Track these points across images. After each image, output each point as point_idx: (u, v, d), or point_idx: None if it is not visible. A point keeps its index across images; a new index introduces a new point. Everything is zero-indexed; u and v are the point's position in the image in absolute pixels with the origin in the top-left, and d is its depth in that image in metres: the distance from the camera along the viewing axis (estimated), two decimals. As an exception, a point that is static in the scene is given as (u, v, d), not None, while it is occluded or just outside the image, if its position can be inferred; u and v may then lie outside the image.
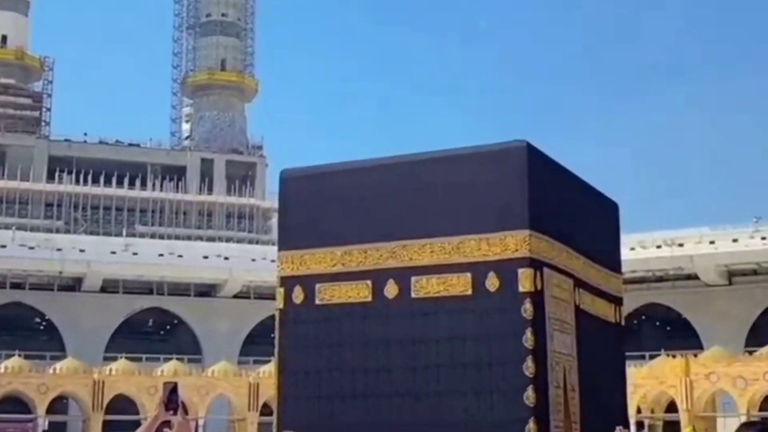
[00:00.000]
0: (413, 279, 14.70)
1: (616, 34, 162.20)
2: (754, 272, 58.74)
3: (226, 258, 64.94)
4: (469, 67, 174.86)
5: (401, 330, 14.89)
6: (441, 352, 14.27)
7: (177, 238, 75.81)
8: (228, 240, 77.99)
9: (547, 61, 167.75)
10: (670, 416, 46.51)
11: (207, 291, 66.25)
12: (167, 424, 3.96)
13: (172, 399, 3.90)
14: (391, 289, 14.72)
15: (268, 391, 41.14)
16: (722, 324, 56.48)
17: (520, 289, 13.75)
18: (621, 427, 8.79)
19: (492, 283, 13.98)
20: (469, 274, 14.22)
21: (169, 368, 50.11)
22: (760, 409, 44.82)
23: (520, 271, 13.64)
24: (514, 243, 13.45)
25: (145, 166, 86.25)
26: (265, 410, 46.51)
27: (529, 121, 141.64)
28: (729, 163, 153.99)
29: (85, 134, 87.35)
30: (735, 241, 57.31)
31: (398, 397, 14.39)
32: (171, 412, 3.88)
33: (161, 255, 63.83)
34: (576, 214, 16.51)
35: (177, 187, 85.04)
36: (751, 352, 47.00)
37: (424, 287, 14.62)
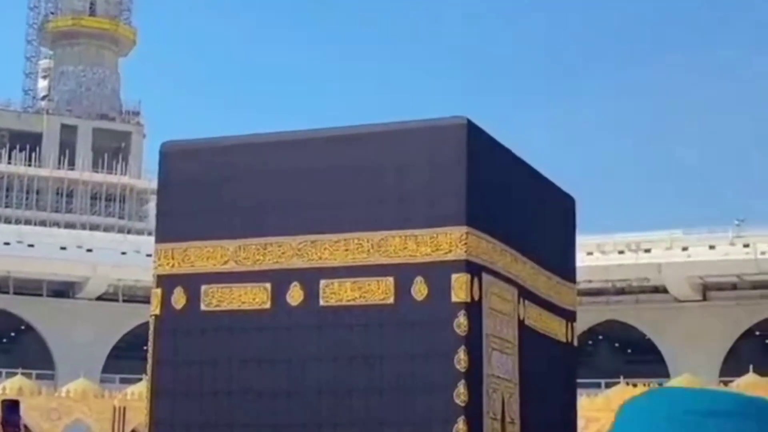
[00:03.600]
0: (322, 283, 14.77)
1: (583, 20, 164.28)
2: (734, 286, 59.99)
3: (90, 250, 64.17)
4: (405, 29, 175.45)
5: (306, 345, 14.91)
6: (354, 373, 14.37)
7: (28, 223, 74.66)
8: (93, 227, 77.01)
9: (501, 41, 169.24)
10: (628, 457, 47.33)
11: (64, 290, 65.40)
12: None
13: (11, 420, 3.86)
14: (294, 295, 14.77)
15: (138, 417, 40.78)
16: (694, 348, 57.64)
17: (453, 298, 13.91)
18: None
19: (419, 290, 14.12)
20: (391, 279, 14.34)
21: (12, 385, 49.36)
22: (735, 451, 45.85)
23: (454, 276, 13.82)
24: (448, 242, 13.62)
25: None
26: (133, 440, 46.13)
27: (470, 102, 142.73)
28: (709, 156, 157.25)
29: None
30: (712, 248, 58.40)
31: (300, 428, 14.40)
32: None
33: (7, 244, 62.80)
34: (524, 210, 16.75)
35: (29, 159, 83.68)
36: (726, 383, 48.04)
37: (336, 293, 14.70)
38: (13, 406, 3.67)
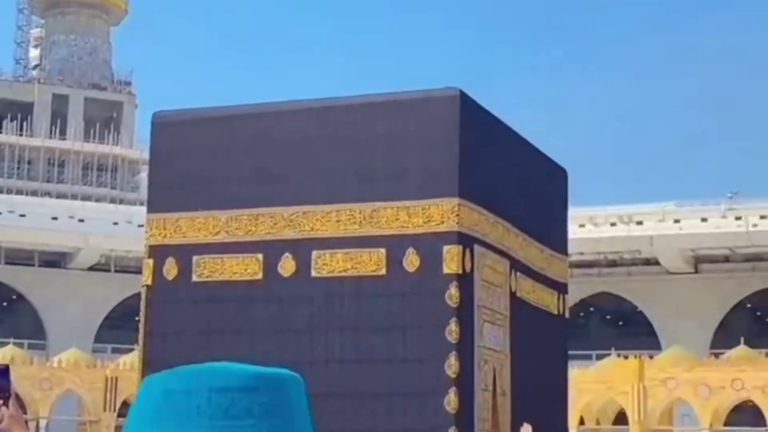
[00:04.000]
0: (314, 254, 14.80)
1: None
2: (726, 259, 60.06)
3: (81, 220, 64.01)
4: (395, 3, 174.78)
5: (298, 316, 14.94)
6: (346, 344, 14.42)
7: (19, 192, 74.43)
8: (84, 198, 76.82)
9: (492, 11, 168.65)
10: (619, 429, 47.50)
11: (55, 261, 65.33)
12: None
13: (1, 385, 3.82)
14: (286, 266, 14.79)
15: (129, 388, 40.85)
16: (685, 320, 57.75)
17: (445, 270, 13.95)
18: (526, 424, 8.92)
19: (411, 261, 14.16)
20: (383, 250, 14.38)
21: (3, 355, 49.42)
22: (726, 423, 46.07)
23: (446, 248, 13.87)
24: (440, 213, 13.64)
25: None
26: (125, 410, 46.18)
27: (463, 75, 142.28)
28: (702, 130, 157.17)
29: None
30: (704, 220, 58.37)
31: (291, 399, 14.39)
32: (0, 400, 3.80)
33: (-2, 213, 62.64)
34: (516, 182, 16.78)
35: (21, 129, 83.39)
36: (717, 355, 48.11)
37: (328, 264, 14.72)
38: (3, 371, 3.67)
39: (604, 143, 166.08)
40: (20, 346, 54.53)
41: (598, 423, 49.04)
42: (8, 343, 52.32)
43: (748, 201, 58.20)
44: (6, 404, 3.79)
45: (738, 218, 57.01)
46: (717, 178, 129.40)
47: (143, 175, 70.27)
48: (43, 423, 48.58)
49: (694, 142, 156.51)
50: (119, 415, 47.85)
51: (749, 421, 45.85)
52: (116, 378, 48.79)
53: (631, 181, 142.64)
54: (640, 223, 58.86)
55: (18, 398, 4.02)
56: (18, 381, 46.35)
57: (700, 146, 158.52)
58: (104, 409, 48.94)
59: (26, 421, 4.04)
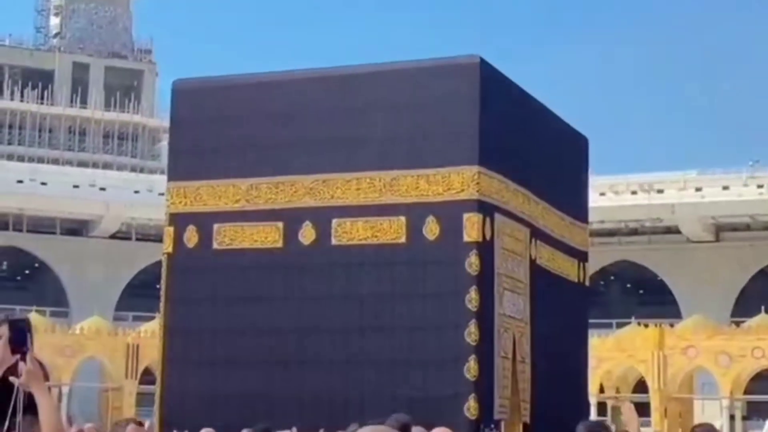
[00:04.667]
0: (335, 222, 14.79)
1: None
2: (747, 227, 59.85)
3: (103, 188, 64.19)
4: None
5: (318, 284, 14.95)
6: (365, 312, 14.44)
7: (41, 161, 74.68)
8: (105, 166, 77.05)
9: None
10: (639, 397, 47.44)
11: (77, 229, 65.59)
12: (13, 370, 3.84)
13: (19, 339, 3.82)
14: (307, 234, 14.80)
15: (151, 354, 41.03)
16: (705, 288, 57.62)
17: (465, 238, 13.94)
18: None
19: (431, 229, 14.14)
20: (403, 218, 14.36)
21: (27, 323, 49.67)
22: (746, 392, 46.03)
23: (466, 216, 13.84)
24: (460, 181, 13.61)
25: (2, 69, 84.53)
26: (146, 377, 46.44)
27: (482, 39, 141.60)
28: (724, 97, 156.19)
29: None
30: (725, 188, 58.16)
31: (311, 366, 14.48)
32: (19, 355, 3.81)
33: (20, 182, 62.83)
34: (537, 150, 16.71)
35: (42, 98, 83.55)
36: (738, 323, 48.04)
37: (348, 232, 14.72)
38: (22, 325, 3.67)
39: (625, 110, 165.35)
40: (43, 313, 54.89)
41: (618, 391, 49.06)
42: (31, 311, 52.66)
43: (770, 169, 57.96)
44: (24, 359, 3.80)
45: (760, 186, 56.80)
46: (739, 147, 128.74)
47: (164, 144, 70.39)
48: (65, 390, 48.95)
49: (716, 110, 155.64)
50: (140, 382, 48.17)
51: (770, 389, 45.83)
52: (137, 345, 49.07)
53: (653, 149, 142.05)
54: (661, 191, 58.69)
55: (41, 366, 4.04)
56: (41, 348, 46.57)
57: (722, 114, 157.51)
58: (126, 376, 49.25)
59: (46, 376, 4.06)
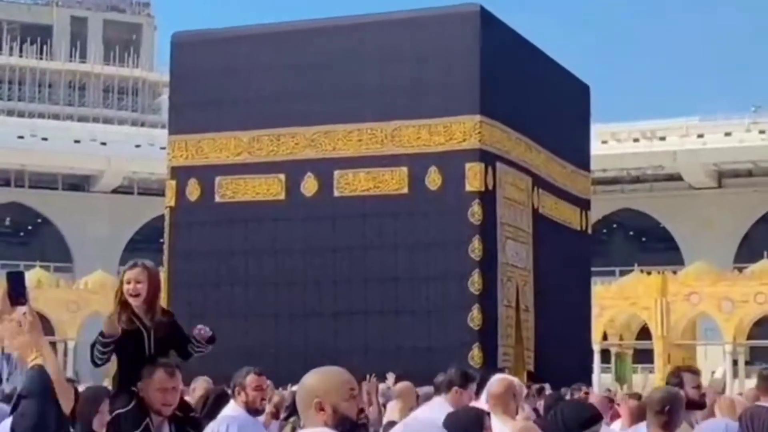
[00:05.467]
0: (336, 173, 14.80)
1: None
2: (749, 173, 59.78)
3: (104, 143, 64.08)
4: None
5: (320, 235, 14.98)
6: (369, 262, 14.48)
7: (41, 116, 74.50)
8: (106, 121, 76.86)
9: None
10: (642, 344, 47.65)
11: (79, 184, 65.55)
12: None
13: (18, 290, 3.86)
14: (309, 186, 14.80)
15: (155, 308, 41.14)
16: (708, 235, 57.64)
17: (468, 188, 13.95)
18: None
19: (433, 180, 14.15)
20: (405, 169, 14.37)
21: (31, 277, 49.79)
22: (749, 337, 46.18)
23: (468, 166, 13.84)
24: (462, 131, 13.61)
25: (0, 25, 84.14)
26: (151, 331, 46.67)
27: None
28: (726, 42, 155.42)
29: None
30: (728, 135, 58.00)
31: (316, 317, 14.52)
32: (17, 306, 3.85)
33: (21, 137, 62.74)
34: (538, 98, 16.67)
35: (41, 52, 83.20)
36: (740, 269, 48.06)
37: (350, 184, 14.73)
38: (17, 279, 3.71)
39: (627, 58, 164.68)
40: (46, 269, 54.98)
41: (621, 338, 49.24)
42: (35, 266, 52.77)
43: (772, 115, 57.81)
44: (22, 302, 3.84)
45: (762, 132, 56.68)
46: (741, 93, 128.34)
47: (164, 98, 70.15)
48: (71, 345, 49.15)
49: (718, 56, 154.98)
50: (146, 336, 48.37)
51: (772, 334, 45.98)
52: (142, 299, 49.22)
53: (655, 97, 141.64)
54: (663, 138, 58.56)
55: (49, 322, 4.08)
56: (45, 304, 46.62)
57: (724, 60, 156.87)
58: (131, 330, 49.49)
59: (39, 321, 4.09)
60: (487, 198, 14.41)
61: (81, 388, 6.63)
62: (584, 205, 20.69)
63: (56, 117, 74.76)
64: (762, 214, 59.25)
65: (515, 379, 7.02)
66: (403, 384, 9.80)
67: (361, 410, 6.31)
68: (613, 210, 60.03)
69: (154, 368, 5.89)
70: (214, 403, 7.27)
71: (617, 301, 45.06)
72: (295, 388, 6.69)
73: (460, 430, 5.02)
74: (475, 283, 13.48)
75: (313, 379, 3.95)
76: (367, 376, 9.76)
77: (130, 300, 6.19)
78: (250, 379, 6.83)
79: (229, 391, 7.07)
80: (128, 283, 6.21)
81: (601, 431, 5.40)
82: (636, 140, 59.17)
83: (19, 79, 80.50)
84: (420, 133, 13.45)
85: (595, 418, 5.29)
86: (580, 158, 20.43)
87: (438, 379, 8.15)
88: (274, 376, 10.27)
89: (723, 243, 57.55)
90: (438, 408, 7.38)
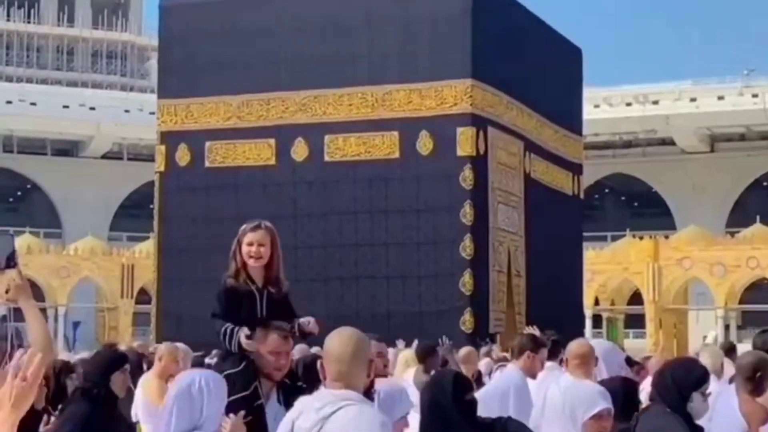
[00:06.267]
0: (327, 138, 14.79)
1: None
2: (742, 137, 59.83)
3: (93, 108, 63.89)
4: None
5: (311, 200, 14.99)
6: (360, 227, 14.50)
7: (29, 81, 74.19)
8: (95, 85, 76.61)
9: None
10: (634, 309, 47.87)
11: (68, 149, 65.42)
12: None
13: (8, 253, 3.86)
14: (299, 151, 14.79)
15: (146, 274, 41.18)
16: (700, 199, 57.79)
17: (459, 152, 13.95)
18: (533, 327, 9.03)
19: (424, 144, 14.14)
20: (396, 134, 14.36)
21: (20, 243, 49.75)
22: (741, 302, 46.39)
23: (460, 130, 13.83)
24: (453, 95, 13.58)
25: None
26: (142, 297, 46.67)
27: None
28: (718, 5, 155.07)
29: None
30: (720, 98, 58.00)
31: (307, 283, 14.54)
32: (5, 270, 3.85)
33: (9, 102, 62.52)
34: (530, 62, 16.63)
35: (28, 17, 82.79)
36: (732, 234, 48.24)
37: (341, 149, 14.72)
38: (8, 241, 3.70)
39: (619, 21, 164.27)
40: (36, 234, 54.93)
41: (612, 303, 49.43)
42: (24, 232, 52.74)
43: (764, 78, 57.75)
44: (11, 266, 3.83)
45: (755, 96, 56.66)
46: (734, 56, 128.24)
47: (153, 62, 69.91)
48: (61, 310, 49.20)
49: (711, 19, 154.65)
50: (136, 302, 48.41)
51: (764, 298, 46.13)
52: (132, 265, 49.21)
53: (647, 61, 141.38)
54: (655, 102, 58.54)
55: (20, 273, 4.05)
56: (36, 270, 46.53)
57: (716, 23, 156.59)
58: (121, 296, 49.48)
59: (27, 284, 4.08)
60: (479, 163, 14.41)
61: (73, 356, 6.63)
62: (576, 169, 20.70)
63: (44, 82, 74.45)
64: (755, 179, 59.38)
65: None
66: (467, 349, 9.98)
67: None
68: (605, 175, 60.11)
69: (268, 330, 5.63)
70: (306, 371, 6.85)
71: (609, 266, 45.19)
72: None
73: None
74: (466, 248, 13.51)
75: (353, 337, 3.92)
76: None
77: (250, 262, 5.83)
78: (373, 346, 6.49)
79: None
80: (251, 245, 5.84)
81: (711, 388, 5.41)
82: (628, 104, 59.15)
83: (7, 43, 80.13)
84: (411, 97, 13.43)
85: (705, 377, 5.26)
86: (572, 122, 20.42)
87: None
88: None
89: (715, 207, 57.70)
90: (514, 375, 7.34)
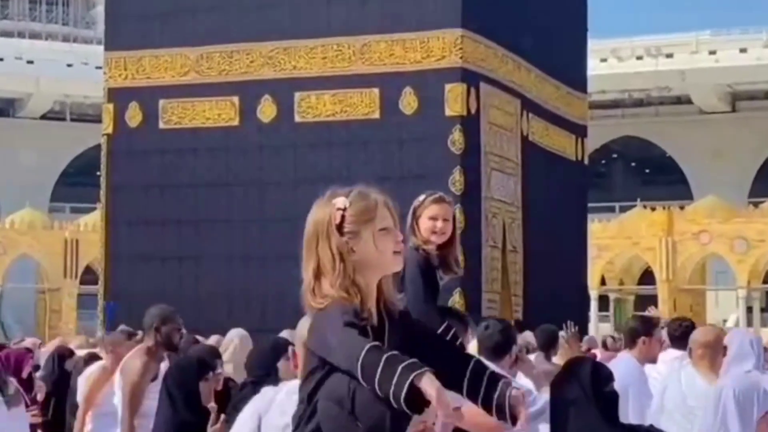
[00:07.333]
0: (297, 96, 14.78)
1: None
2: (767, 95, 60.05)
3: (30, 62, 63.63)
4: None
5: (279, 166, 15.00)
6: (335, 197, 14.32)
7: (-42, 31, 73.82)
8: (33, 36, 76.26)
9: None
10: (645, 289, 48.04)
11: (3, 108, 65.19)
12: None
13: None
14: (266, 110, 14.79)
15: (92, 251, 41.13)
16: (720, 165, 57.96)
17: (447, 112, 13.96)
18: (652, 307, 9.13)
19: (408, 102, 14.16)
20: (376, 90, 14.37)
21: (-51, 217, 49.72)
22: (765, 281, 46.61)
23: (448, 87, 13.85)
24: (441, 47, 13.61)
25: None
26: (87, 277, 46.63)
27: None
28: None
29: None
30: (743, 51, 58.13)
31: (273, 260, 14.55)
32: None
33: (-65, 55, 62.26)
34: (528, 10, 16.65)
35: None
36: (756, 204, 48.41)
37: (314, 108, 14.72)
38: None
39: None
40: (-34, 206, 54.79)
41: (621, 283, 49.63)
42: (-47, 203, 52.56)
43: (793, 29, 57.88)
44: None
45: (781, 48, 56.80)
46: (758, 3, 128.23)
47: (99, 9, 69.56)
48: (-4, 292, 49.13)
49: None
50: (81, 282, 48.32)
51: (791, 277, 46.41)
52: (77, 240, 49.08)
53: (661, 9, 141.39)
54: (670, 55, 58.59)
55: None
56: (-34, 245, 46.07)
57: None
58: (64, 276, 49.39)
59: None
60: (470, 123, 14.41)
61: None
62: (580, 131, 20.71)
63: (-25, 32, 74.07)
64: (781, 142, 59.61)
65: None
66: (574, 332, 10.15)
67: None
68: (612, 138, 60.24)
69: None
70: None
71: (617, 240, 45.34)
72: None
73: None
74: (456, 220, 13.55)
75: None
76: None
77: (433, 238, 5.72)
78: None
79: None
80: (434, 219, 5.73)
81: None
82: (639, 58, 59.22)
83: (-68, -13, 79.66)
84: (393, 49, 13.42)
85: None
86: (576, 78, 20.41)
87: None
88: (235, 325, 10.30)
89: (737, 175, 57.88)
90: (631, 369, 7.32)
